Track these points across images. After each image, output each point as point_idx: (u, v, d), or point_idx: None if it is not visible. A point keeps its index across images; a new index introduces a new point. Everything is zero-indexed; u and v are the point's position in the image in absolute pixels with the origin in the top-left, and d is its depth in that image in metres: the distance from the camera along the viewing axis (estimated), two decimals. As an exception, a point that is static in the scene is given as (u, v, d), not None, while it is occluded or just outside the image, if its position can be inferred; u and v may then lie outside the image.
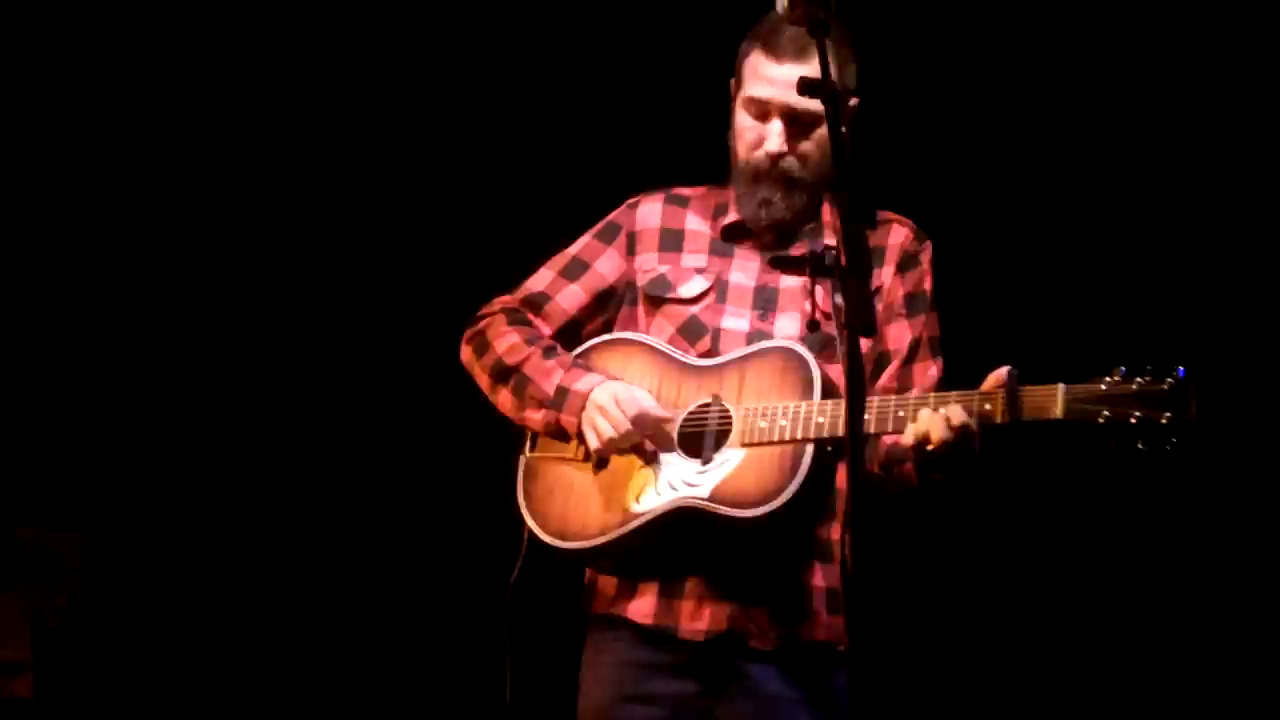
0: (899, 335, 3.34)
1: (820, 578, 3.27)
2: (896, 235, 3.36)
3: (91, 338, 5.08)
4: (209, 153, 5.09)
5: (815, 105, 3.16)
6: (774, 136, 3.26)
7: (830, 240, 3.30)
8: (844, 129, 3.12)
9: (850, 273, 2.63)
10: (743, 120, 3.30)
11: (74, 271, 5.08)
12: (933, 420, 3.03)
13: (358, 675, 5.09)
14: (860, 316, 2.60)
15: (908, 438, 3.06)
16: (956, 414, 3.03)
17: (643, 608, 3.26)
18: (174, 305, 5.10)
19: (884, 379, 3.32)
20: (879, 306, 3.32)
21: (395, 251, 5.09)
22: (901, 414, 3.08)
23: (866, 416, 3.06)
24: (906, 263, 3.35)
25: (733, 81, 3.34)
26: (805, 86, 2.79)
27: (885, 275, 3.34)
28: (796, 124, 3.25)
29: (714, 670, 3.23)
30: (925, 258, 3.36)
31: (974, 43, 4.80)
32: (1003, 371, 3.06)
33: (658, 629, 3.24)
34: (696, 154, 3.51)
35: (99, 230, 5.08)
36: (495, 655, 3.30)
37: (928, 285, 3.36)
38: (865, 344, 3.05)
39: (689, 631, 3.23)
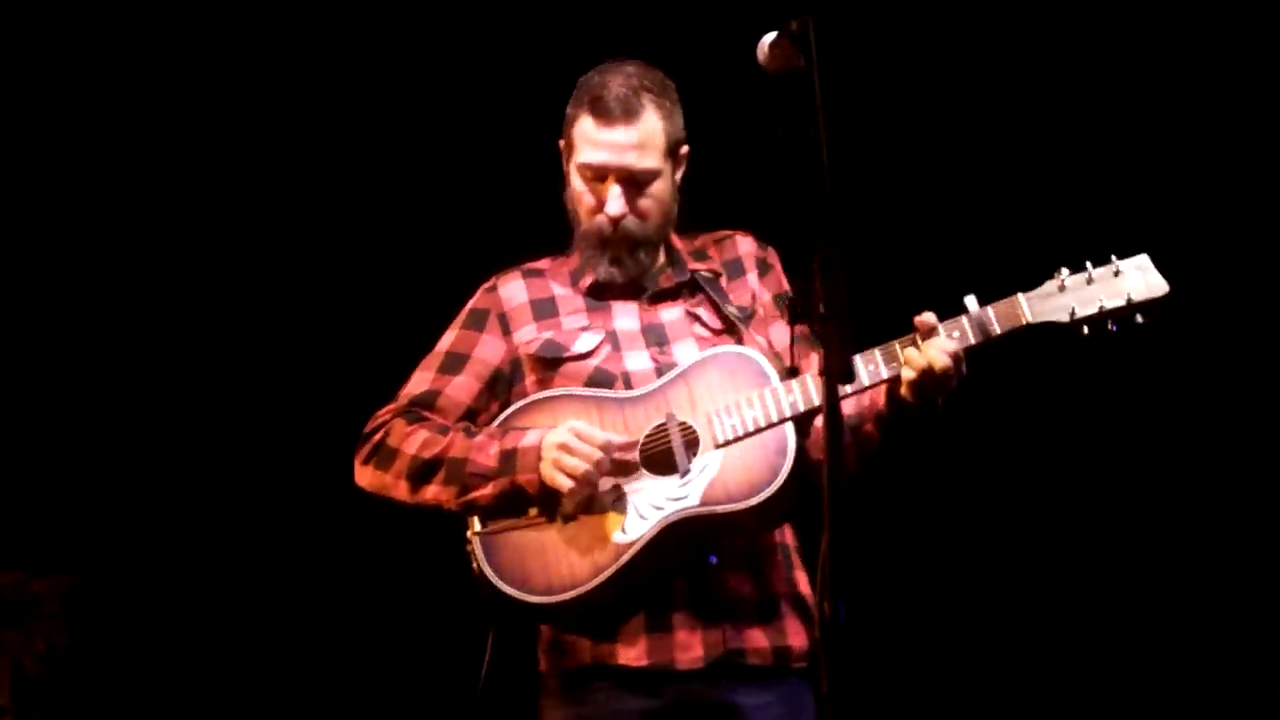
0: (781, 336, 3.37)
1: (784, 585, 3.28)
2: (745, 245, 3.45)
3: (69, 383, 5.09)
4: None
5: (650, 164, 3.27)
6: (613, 200, 3.27)
7: (691, 266, 3.39)
8: (679, 177, 3.29)
9: (828, 319, 2.63)
10: (578, 185, 3.32)
11: (49, 320, 5.10)
12: (929, 352, 3.08)
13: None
14: (838, 362, 2.60)
15: (910, 374, 3.09)
16: (945, 343, 3.09)
17: (633, 651, 3.19)
18: (151, 350, 5.12)
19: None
20: (759, 313, 3.38)
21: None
22: (871, 367, 3.13)
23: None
24: (763, 268, 3.43)
25: (561, 143, 3.35)
26: (784, 135, 2.80)
27: (752, 282, 3.41)
28: (634, 184, 3.27)
29: (706, 711, 3.19)
30: (775, 260, 3.45)
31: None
32: (929, 315, 3.12)
33: (654, 669, 3.19)
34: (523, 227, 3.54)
35: (67, 273, 5.11)
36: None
37: (786, 285, 3.42)
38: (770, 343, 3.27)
39: (687, 662, 3.19)
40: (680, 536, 3.15)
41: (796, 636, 3.26)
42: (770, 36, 2.75)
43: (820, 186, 2.68)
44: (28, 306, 5.10)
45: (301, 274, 5.10)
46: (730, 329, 3.33)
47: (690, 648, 3.19)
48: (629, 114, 3.25)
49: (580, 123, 3.30)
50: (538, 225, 3.47)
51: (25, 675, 4.86)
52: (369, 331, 4.91)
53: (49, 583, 4.92)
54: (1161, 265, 3.14)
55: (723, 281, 3.40)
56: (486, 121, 4.95)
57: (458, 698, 3.48)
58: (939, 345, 3.10)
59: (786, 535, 3.32)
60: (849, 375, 2.64)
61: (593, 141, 3.27)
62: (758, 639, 3.22)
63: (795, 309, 3.31)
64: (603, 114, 3.26)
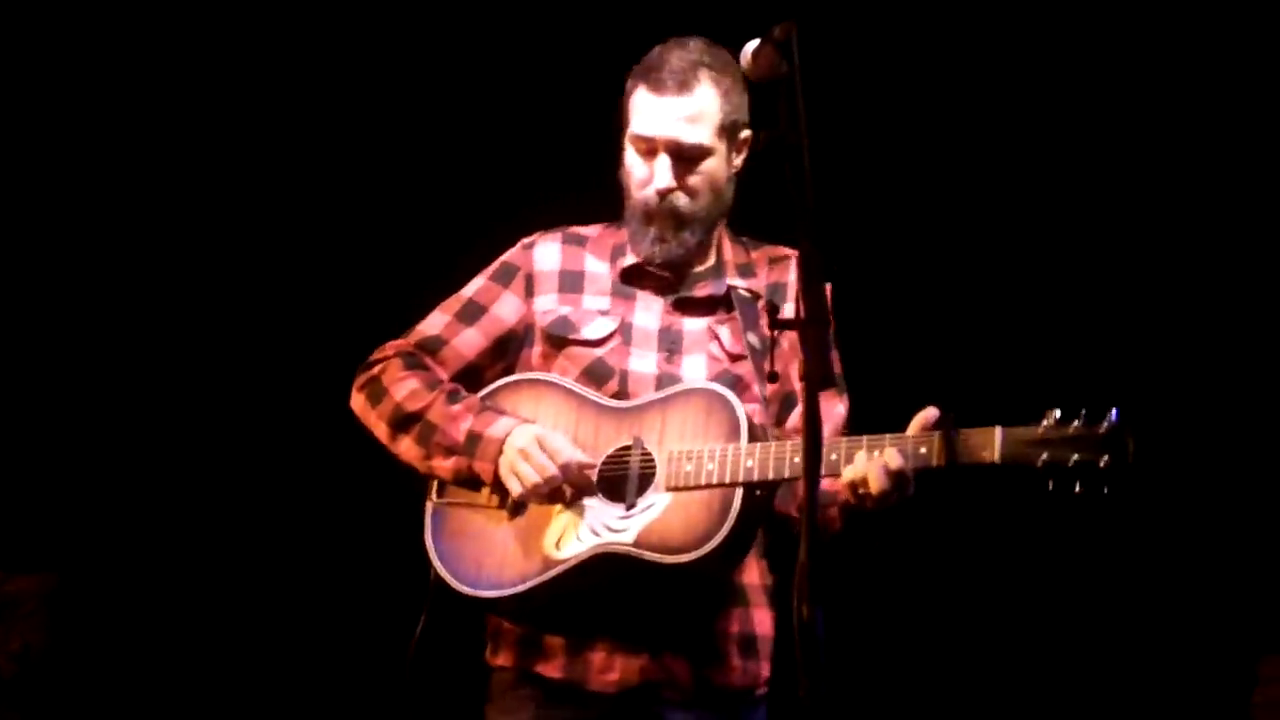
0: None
1: (735, 623, 3.21)
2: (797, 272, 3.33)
3: (48, 381, 5.08)
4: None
5: (701, 139, 3.23)
6: (661, 173, 3.23)
7: (732, 279, 3.32)
8: (738, 162, 3.23)
9: (809, 325, 2.63)
10: (630, 157, 3.29)
11: (29, 317, 5.09)
12: (870, 467, 2.98)
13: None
14: (819, 369, 2.59)
15: (845, 479, 3.01)
16: (893, 459, 2.98)
17: (550, 661, 3.17)
18: (130, 349, 5.11)
19: (794, 419, 3.25)
20: (784, 344, 3.26)
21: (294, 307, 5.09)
22: (834, 456, 3.02)
23: (796, 459, 2.99)
24: None
25: (620, 118, 3.32)
26: (767, 141, 2.79)
27: (788, 312, 3.27)
28: (683, 159, 3.23)
29: None
30: (828, 294, 3.32)
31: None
32: (932, 412, 3.02)
33: (566, 684, 3.16)
34: (591, 191, 3.48)
35: (50, 270, 5.10)
36: (400, 708, 3.24)
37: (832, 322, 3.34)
38: (771, 386, 3.17)
39: (600, 684, 3.15)
40: (612, 567, 3.10)
41: (733, 674, 3.20)
42: (754, 43, 2.75)
43: (802, 193, 2.67)
44: (7, 304, 5.08)
45: (295, 268, 5.11)
46: (747, 356, 3.25)
47: (607, 671, 3.15)
48: (682, 86, 3.22)
49: (635, 94, 3.27)
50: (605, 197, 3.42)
51: (1, 675, 4.85)
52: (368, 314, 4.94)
53: (26, 581, 4.90)
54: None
55: (760, 304, 3.31)
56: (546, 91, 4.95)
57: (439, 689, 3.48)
58: (888, 460, 2.97)
59: (752, 574, 3.24)
60: (830, 380, 2.64)
61: (644, 112, 3.25)
62: (681, 673, 3.16)
63: (775, 314, 3.29)
64: (656, 85, 3.23)
